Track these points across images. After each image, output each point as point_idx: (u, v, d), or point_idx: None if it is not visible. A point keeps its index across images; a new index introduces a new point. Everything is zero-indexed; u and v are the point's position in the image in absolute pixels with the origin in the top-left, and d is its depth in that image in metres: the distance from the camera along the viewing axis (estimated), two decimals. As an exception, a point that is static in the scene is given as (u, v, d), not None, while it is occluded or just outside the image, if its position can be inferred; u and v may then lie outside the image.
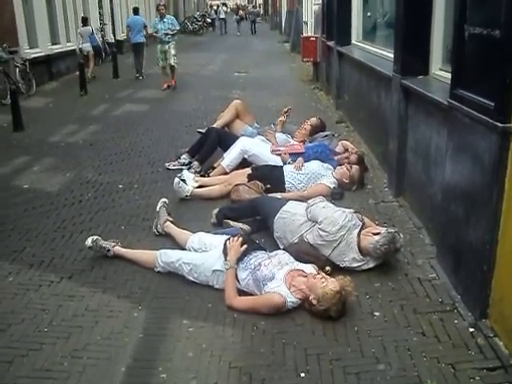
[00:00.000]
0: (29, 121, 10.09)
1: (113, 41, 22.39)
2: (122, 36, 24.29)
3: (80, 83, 13.61)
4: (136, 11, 17.54)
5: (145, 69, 16.37)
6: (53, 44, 16.89)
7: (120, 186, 6.55)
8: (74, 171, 7.24)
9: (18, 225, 5.53)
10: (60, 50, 17.15)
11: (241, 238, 4.14)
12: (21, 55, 13.73)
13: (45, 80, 15.51)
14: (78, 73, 14.27)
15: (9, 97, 11.29)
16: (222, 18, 39.47)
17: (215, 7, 52.22)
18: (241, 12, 43.13)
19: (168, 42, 13.71)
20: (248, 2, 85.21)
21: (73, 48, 18.07)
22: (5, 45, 12.97)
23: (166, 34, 13.67)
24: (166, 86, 13.82)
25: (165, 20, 13.85)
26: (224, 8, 43.54)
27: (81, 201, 6.15)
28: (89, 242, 4.66)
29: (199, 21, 40.41)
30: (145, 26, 16.51)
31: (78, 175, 7.08)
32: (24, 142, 9.03)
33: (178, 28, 14.26)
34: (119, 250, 4.66)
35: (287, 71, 16.77)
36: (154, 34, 14.07)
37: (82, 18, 17.95)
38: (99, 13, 21.58)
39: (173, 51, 13.74)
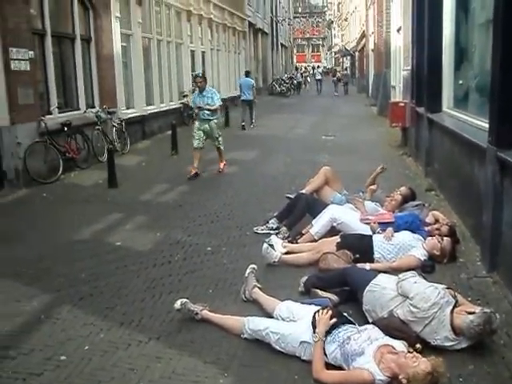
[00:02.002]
0: (122, 178, 10.55)
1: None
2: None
3: (172, 143, 14.09)
4: (247, 74, 22.14)
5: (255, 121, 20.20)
6: (147, 105, 17.71)
7: (208, 249, 6.65)
8: (164, 231, 7.43)
9: (110, 282, 5.72)
10: (154, 111, 17.95)
11: (330, 311, 4.10)
12: (118, 115, 14.46)
13: (138, 139, 16.22)
14: (169, 132, 14.85)
15: (105, 155, 11.89)
16: (319, 79, 43.17)
17: (302, 70, 53.58)
18: (338, 74, 45.11)
19: (209, 120, 11.25)
20: (335, 65, 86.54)
21: (165, 109, 18.89)
22: (105, 106, 13.77)
23: (200, 109, 11.18)
24: (193, 172, 11.03)
25: (204, 93, 11.34)
26: (320, 70, 46.73)
27: (170, 261, 6.28)
28: (178, 304, 4.74)
29: (287, 83, 41.32)
30: (253, 86, 20.50)
31: (168, 235, 7.26)
32: (117, 199, 9.42)
33: (218, 104, 11.41)
34: (207, 313, 4.72)
35: (375, 135, 16.76)
36: (194, 110, 11.65)
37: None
38: (192, 76, 22.49)
39: (216, 133, 11.44)
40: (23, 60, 10.66)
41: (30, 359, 4.25)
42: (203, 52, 24.79)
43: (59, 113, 12.28)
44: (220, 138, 11.56)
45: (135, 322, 4.81)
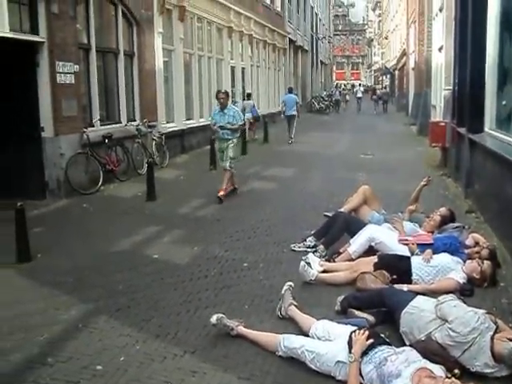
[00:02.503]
0: (161, 191, 10.66)
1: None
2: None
3: (210, 158, 14.18)
4: (290, 90, 23.19)
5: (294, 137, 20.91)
6: (187, 119, 17.91)
7: (245, 265, 6.65)
8: (202, 245, 7.47)
9: (146, 294, 5.78)
10: (193, 125, 18.14)
11: (367, 332, 4.06)
12: (158, 129, 14.66)
13: (177, 153, 16.38)
14: (208, 147, 14.95)
15: (144, 168, 12.05)
16: (359, 97, 43.65)
17: (341, 88, 53.64)
18: (378, 92, 45.40)
19: (227, 140, 10.55)
20: (375, 83, 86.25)
21: (205, 124, 19.04)
22: (145, 120, 13.98)
23: (222, 128, 10.47)
24: (222, 193, 10.27)
25: (225, 111, 10.58)
26: (361, 88, 49.05)
27: (207, 276, 6.31)
28: (214, 319, 4.75)
29: (326, 100, 41.35)
30: (297, 102, 21.49)
31: (205, 250, 7.30)
32: (155, 212, 9.52)
33: (240, 123, 10.80)
34: (242, 329, 4.72)
35: (414, 155, 16.60)
36: (212, 128, 10.81)
37: (247, 93, 23.02)
38: (231, 91, 22.68)
39: (231, 152, 10.55)
40: (68, 73, 10.93)
41: (68, 367, 4.32)
42: (243, 68, 25.00)
43: (101, 125, 12.52)
44: (233, 161, 10.62)
45: (171, 335, 4.84)
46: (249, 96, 22.66)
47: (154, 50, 15.09)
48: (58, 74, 10.64)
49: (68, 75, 10.92)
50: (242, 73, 24.93)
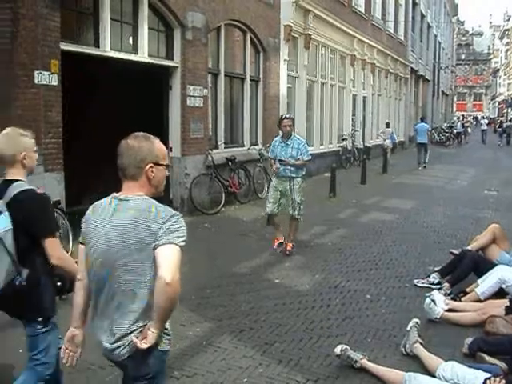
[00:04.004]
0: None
1: (362, 147, 23.26)
2: (370, 142, 25.05)
3: (330, 186, 14.20)
4: (422, 119, 25.02)
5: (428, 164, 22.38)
6: (308, 146, 18.01)
7: (367, 297, 6.59)
8: (323, 273, 7.50)
9: (269, 318, 5.86)
10: (313, 152, 18.09)
11: (504, 381, 3.90)
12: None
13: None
14: (326, 174, 14.98)
15: (265, 192, 12.29)
16: (484, 130, 43.18)
17: (463, 120, 52.16)
18: (504, 125, 44.06)
19: (291, 179, 8.36)
20: (498, 115, 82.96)
21: (324, 151, 19.12)
22: (268, 144, 14.18)
23: (285, 164, 8.27)
24: (276, 243, 8.58)
25: (289, 142, 8.35)
26: (485, 120, 48.63)
27: (329, 305, 6.31)
28: (338, 350, 4.75)
29: (446, 132, 40.25)
30: (428, 131, 23.76)
31: (326, 278, 7.30)
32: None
33: (306, 158, 8.43)
34: (366, 363, 4.67)
35: (542, 193, 15.75)
36: (271, 163, 8.74)
37: (386, 122, 26.11)
38: (352, 119, 22.67)
39: (298, 197, 8.39)
40: (198, 97, 11.47)
41: (193, 382, 4.48)
42: (364, 97, 24.89)
43: (225, 148, 12.94)
44: (302, 207, 8.53)
45: (293, 361, 4.87)
46: (388, 124, 25.83)
47: (278, 77, 15.44)
48: (188, 97, 11.18)
49: (197, 98, 11.44)
50: (363, 101, 24.83)
